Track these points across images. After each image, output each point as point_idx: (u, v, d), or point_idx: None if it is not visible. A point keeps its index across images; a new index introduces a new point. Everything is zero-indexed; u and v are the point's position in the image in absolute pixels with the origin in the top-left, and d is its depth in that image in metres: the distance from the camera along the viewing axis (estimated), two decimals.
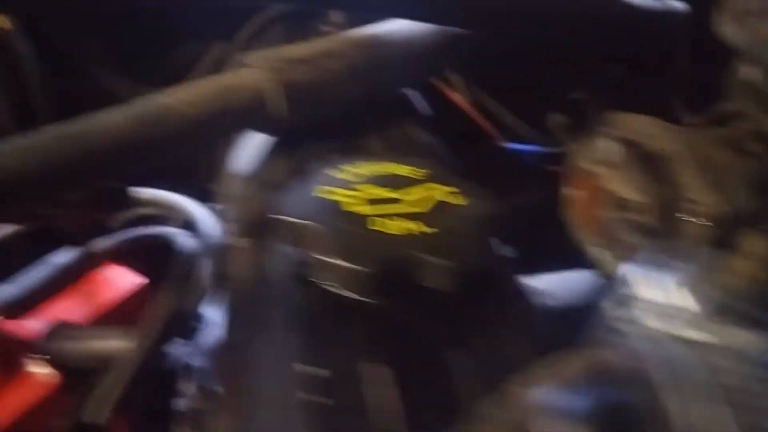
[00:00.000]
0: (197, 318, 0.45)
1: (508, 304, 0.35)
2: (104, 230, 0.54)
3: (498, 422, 0.23)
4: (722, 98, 0.49)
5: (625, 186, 0.36)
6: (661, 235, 0.35)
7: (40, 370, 0.43)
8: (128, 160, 0.39)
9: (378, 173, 0.37)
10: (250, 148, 0.52)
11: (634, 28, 0.57)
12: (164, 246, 0.50)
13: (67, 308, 0.50)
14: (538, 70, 0.75)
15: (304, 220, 0.33)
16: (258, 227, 0.42)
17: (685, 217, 0.33)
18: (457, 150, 0.52)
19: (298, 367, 0.30)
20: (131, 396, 0.42)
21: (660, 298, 0.25)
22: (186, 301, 0.44)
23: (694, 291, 0.25)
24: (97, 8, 0.47)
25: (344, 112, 0.48)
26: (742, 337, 0.23)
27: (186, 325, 0.44)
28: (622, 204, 0.36)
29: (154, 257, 0.55)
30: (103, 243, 0.53)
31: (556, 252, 0.50)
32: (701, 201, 0.32)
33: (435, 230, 0.33)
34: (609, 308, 0.25)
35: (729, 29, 0.39)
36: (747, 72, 0.41)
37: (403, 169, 0.38)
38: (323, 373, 0.29)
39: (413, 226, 0.33)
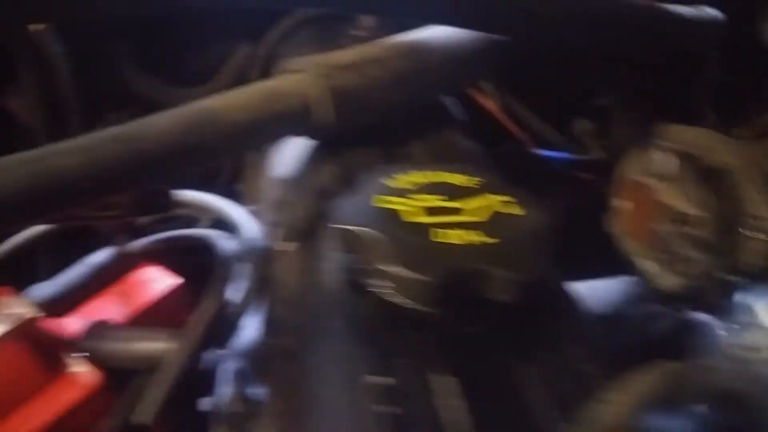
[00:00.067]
0: (238, 321, 0.44)
1: (566, 314, 0.35)
2: (141, 231, 0.54)
3: None
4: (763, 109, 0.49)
5: (681, 199, 0.36)
6: (718, 250, 0.35)
7: (82, 370, 0.43)
8: (177, 163, 0.39)
9: (432, 182, 0.37)
10: (289, 153, 0.52)
11: (666, 33, 0.57)
12: (202, 247, 0.50)
13: (105, 308, 0.50)
14: (566, 75, 0.75)
15: (363, 228, 0.32)
16: (306, 232, 0.42)
17: (748, 233, 0.33)
18: (490, 155, 0.52)
19: (360, 376, 0.30)
20: (174, 398, 0.42)
21: None
22: (228, 305, 0.44)
23: None
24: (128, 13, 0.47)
25: (387, 118, 0.48)
26: None
27: (228, 328, 0.43)
28: (677, 217, 0.36)
29: (191, 258, 0.55)
30: (139, 243, 0.53)
31: (587, 260, 0.50)
32: (765, 216, 0.32)
33: (496, 240, 0.32)
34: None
35: None
36: None
37: (455, 178, 0.38)
38: (388, 382, 0.29)
39: (474, 237, 0.33)
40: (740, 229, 0.33)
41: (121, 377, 0.44)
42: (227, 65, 0.78)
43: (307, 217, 0.43)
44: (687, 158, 0.36)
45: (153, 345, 0.42)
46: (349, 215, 0.34)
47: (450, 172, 0.38)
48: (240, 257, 0.47)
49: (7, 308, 0.43)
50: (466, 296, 0.31)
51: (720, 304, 0.39)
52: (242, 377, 0.46)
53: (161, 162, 0.38)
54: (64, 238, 0.58)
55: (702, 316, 0.51)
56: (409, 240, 0.32)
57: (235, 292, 0.45)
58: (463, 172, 0.39)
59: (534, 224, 0.34)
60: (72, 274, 0.50)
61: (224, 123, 0.39)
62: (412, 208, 0.34)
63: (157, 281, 0.52)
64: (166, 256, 0.55)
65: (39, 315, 0.43)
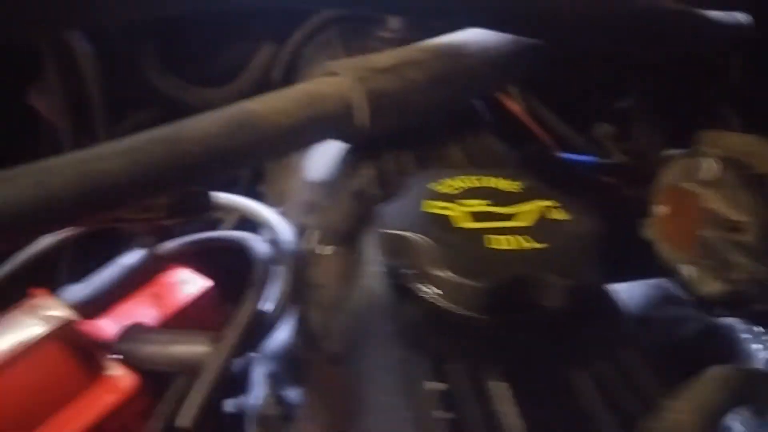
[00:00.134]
0: (274, 325, 0.44)
1: (615, 319, 0.35)
2: (169, 232, 0.54)
3: None
4: None
5: (724, 204, 0.36)
6: (762, 256, 0.35)
7: (119, 373, 0.43)
8: (218, 165, 0.39)
9: (475, 186, 0.37)
10: (319, 155, 0.52)
11: (695, 36, 0.57)
12: (235, 249, 0.50)
13: (137, 310, 0.50)
14: (589, 78, 0.75)
15: (413, 233, 0.32)
16: (344, 236, 0.42)
17: None
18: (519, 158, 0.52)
19: (413, 381, 0.30)
20: (212, 401, 0.42)
21: None
22: (265, 308, 0.44)
23: None
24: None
25: (422, 121, 0.48)
26: None
27: (265, 331, 0.43)
28: (721, 223, 0.36)
29: (219, 260, 0.55)
30: (171, 245, 0.53)
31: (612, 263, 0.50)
32: None
33: (545, 246, 0.32)
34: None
35: None
36: None
37: (498, 182, 0.38)
38: (442, 388, 0.29)
39: (522, 242, 0.33)
40: None
41: (156, 380, 0.44)
42: (250, 65, 0.78)
43: (344, 221, 0.43)
44: (731, 163, 0.36)
45: (191, 348, 0.42)
46: (397, 220, 0.34)
47: (492, 176, 0.38)
48: (275, 260, 0.46)
49: (45, 310, 0.43)
50: (518, 302, 0.31)
51: (764, 310, 0.39)
52: (277, 380, 0.46)
53: (203, 164, 0.38)
54: (86, 240, 0.58)
55: (729, 321, 0.51)
56: (463, 246, 0.32)
57: (271, 295, 0.45)
58: (505, 177, 0.39)
59: (581, 229, 0.34)
60: (103, 275, 0.50)
61: (266, 125, 0.39)
62: (460, 214, 0.34)
63: (188, 283, 0.52)
64: (195, 257, 0.55)
65: (76, 317, 0.43)
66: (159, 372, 0.45)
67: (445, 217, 0.34)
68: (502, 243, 0.32)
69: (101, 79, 0.69)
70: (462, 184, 0.37)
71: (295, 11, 0.75)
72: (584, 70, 0.72)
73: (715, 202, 0.36)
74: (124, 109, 0.75)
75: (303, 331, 0.45)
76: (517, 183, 0.38)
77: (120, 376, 0.43)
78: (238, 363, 0.46)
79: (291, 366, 0.46)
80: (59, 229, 0.35)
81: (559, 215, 0.35)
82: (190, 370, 0.43)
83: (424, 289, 0.32)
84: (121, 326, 0.46)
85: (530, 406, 0.28)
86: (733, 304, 0.39)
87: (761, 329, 0.41)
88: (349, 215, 0.42)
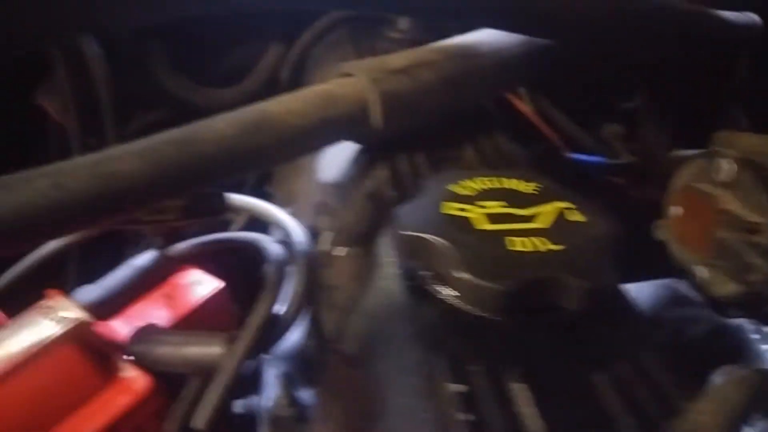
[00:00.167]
0: (288, 326, 0.44)
1: (633, 320, 0.35)
2: (181, 233, 0.54)
3: None
4: None
5: (741, 206, 0.36)
6: None
7: (134, 374, 0.43)
8: (233, 167, 0.39)
9: (491, 188, 0.37)
10: (330, 156, 0.52)
11: (709, 36, 0.57)
12: (249, 250, 0.50)
13: (149, 311, 0.50)
14: (597, 78, 0.75)
15: (433, 235, 0.32)
16: (359, 237, 0.42)
17: None
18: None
19: (432, 383, 0.30)
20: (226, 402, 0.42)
21: None
22: (279, 309, 0.44)
23: None
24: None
25: (434, 122, 0.48)
26: None
27: (279, 333, 0.43)
28: (737, 224, 0.36)
29: (230, 261, 0.55)
30: (183, 246, 0.53)
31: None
32: None
33: (562, 248, 0.32)
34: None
35: None
36: None
37: (513, 183, 0.38)
38: (461, 389, 0.29)
39: (540, 244, 0.33)
40: None
41: (169, 381, 0.44)
42: (259, 66, 0.78)
43: (358, 222, 0.43)
44: (747, 165, 0.36)
45: (205, 350, 0.42)
46: (416, 221, 0.34)
47: (508, 177, 0.38)
48: (289, 261, 0.46)
49: (59, 311, 0.43)
50: (537, 304, 0.31)
51: None
52: (289, 381, 0.46)
53: (219, 165, 0.38)
54: (92, 241, 0.58)
55: (737, 321, 0.51)
56: (484, 248, 0.32)
57: (284, 296, 0.45)
58: (520, 178, 0.39)
59: (598, 230, 0.34)
60: (116, 276, 0.50)
61: (281, 127, 0.39)
62: (479, 216, 0.34)
63: (200, 284, 0.52)
64: (206, 258, 0.55)
65: (90, 318, 0.43)
66: (172, 373, 0.45)
67: (465, 219, 0.34)
68: (522, 245, 0.32)
69: (110, 79, 0.69)
70: (479, 186, 0.37)
71: (303, 12, 0.75)
72: (591, 69, 0.72)
73: (732, 204, 0.36)
74: (133, 110, 0.75)
75: (316, 332, 0.45)
76: (532, 184, 0.38)
77: (134, 377, 0.43)
78: (249, 364, 0.46)
79: (304, 367, 0.46)
80: (75, 232, 0.35)
81: (576, 217, 0.35)
82: (204, 371, 0.43)
83: (443, 291, 0.32)
84: (134, 327, 0.46)
85: (550, 408, 0.29)
86: (749, 305, 0.39)
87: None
88: (363, 216, 0.42)
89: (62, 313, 0.42)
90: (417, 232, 0.33)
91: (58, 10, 0.35)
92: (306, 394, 0.47)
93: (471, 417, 0.28)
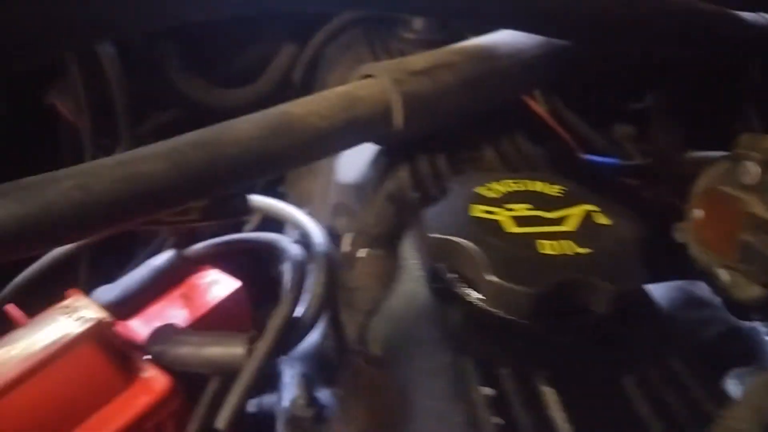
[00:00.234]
0: (309, 327, 0.44)
1: (660, 323, 0.35)
2: (202, 234, 0.54)
3: None
4: None
5: (766, 209, 0.36)
6: None
7: (154, 374, 0.43)
8: (258, 169, 0.39)
9: (518, 190, 0.37)
10: (351, 157, 0.52)
11: (729, 36, 0.57)
12: (266, 251, 0.50)
13: (167, 311, 0.50)
14: (611, 78, 0.75)
15: (463, 238, 0.32)
16: (380, 239, 0.42)
17: None
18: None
19: (461, 386, 0.30)
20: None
21: None
22: (300, 310, 0.44)
23: None
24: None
25: (454, 123, 0.48)
26: None
27: (300, 334, 0.43)
28: (762, 227, 0.36)
29: (244, 261, 0.55)
30: (201, 246, 0.53)
31: None
32: None
33: (590, 251, 0.32)
34: None
35: None
36: None
37: (538, 186, 0.38)
38: (490, 392, 0.29)
39: (567, 247, 0.33)
40: None
41: (191, 382, 0.44)
42: (271, 66, 0.78)
43: (379, 224, 0.43)
44: None
45: (226, 350, 0.42)
46: (444, 224, 0.34)
47: (531, 180, 0.38)
48: (309, 262, 0.46)
49: (80, 310, 0.43)
50: (565, 307, 0.31)
51: None
52: (308, 381, 0.46)
53: (244, 167, 0.38)
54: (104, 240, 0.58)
55: (751, 323, 0.51)
56: (515, 251, 0.31)
57: (305, 297, 0.45)
58: (543, 180, 0.39)
59: (624, 233, 0.34)
60: (134, 276, 0.50)
61: (306, 128, 0.39)
62: (507, 218, 0.34)
63: (218, 284, 0.52)
64: (220, 258, 0.55)
65: (111, 318, 0.43)
66: (190, 373, 0.45)
67: (495, 222, 0.34)
68: (551, 248, 0.32)
69: (124, 80, 0.69)
70: (504, 188, 0.37)
71: (316, 12, 0.75)
72: (606, 70, 0.72)
73: (757, 207, 0.36)
74: (146, 111, 0.75)
75: (336, 333, 0.45)
76: (556, 187, 0.38)
77: (154, 377, 0.43)
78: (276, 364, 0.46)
79: (322, 367, 0.46)
80: (100, 234, 0.35)
81: (602, 220, 0.35)
82: (225, 372, 0.43)
83: (471, 293, 0.32)
84: (154, 327, 0.46)
85: (580, 411, 0.28)
86: None
87: None
88: (384, 218, 0.42)
89: (83, 313, 0.42)
90: (446, 234, 0.33)
91: (76, 21, 0.35)
92: (324, 395, 0.47)
93: (501, 421, 0.28)
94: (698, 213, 0.41)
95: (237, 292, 0.51)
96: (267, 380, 0.49)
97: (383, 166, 0.47)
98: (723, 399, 0.31)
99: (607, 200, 0.37)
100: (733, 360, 0.45)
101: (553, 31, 0.47)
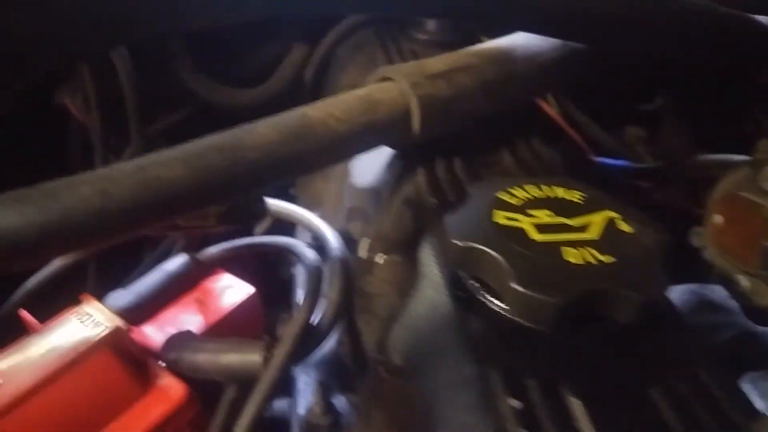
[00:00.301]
0: (326, 334, 0.44)
1: (685, 332, 0.34)
2: (211, 237, 0.54)
3: None
4: None
5: None
6: None
7: (169, 382, 0.43)
8: (278, 172, 0.38)
9: (540, 196, 0.37)
10: (365, 161, 0.51)
11: (746, 41, 0.56)
12: (281, 255, 0.50)
13: (181, 316, 0.49)
14: (624, 81, 0.75)
15: (487, 246, 0.32)
16: (399, 244, 0.42)
17: None
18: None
19: (485, 396, 0.30)
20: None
21: None
22: (317, 316, 0.44)
23: None
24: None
25: (470, 126, 0.47)
26: None
27: (317, 341, 0.43)
28: None
29: (259, 263, 0.55)
30: (215, 250, 0.52)
31: None
32: None
33: (613, 259, 0.32)
34: None
35: None
36: None
37: (559, 192, 0.38)
38: (517, 404, 0.29)
39: (589, 255, 0.32)
40: None
41: (207, 390, 0.44)
42: (282, 66, 0.78)
43: (397, 229, 0.43)
44: None
45: (243, 358, 0.42)
46: (467, 231, 0.33)
47: (549, 185, 0.38)
48: (326, 268, 0.46)
49: (95, 317, 0.43)
50: (590, 317, 0.31)
51: None
52: (324, 388, 0.46)
53: (264, 171, 0.37)
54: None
55: (763, 329, 0.51)
56: (539, 260, 0.31)
57: (322, 303, 0.44)
58: (562, 186, 0.38)
59: (648, 241, 0.34)
60: (147, 281, 0.50)
61: (324, 132, 0.38)
62: (531, 226, 0.34)
63: (232, 289, 0.51)
64: (234, 261, 0.54)
65: (126, 325, 0.43)
66: (205, 380, 0.44)
67: (519, 230, 0.33)
68: (575, 257, 0.32)
69: (135, 79, 0.68)
70: (524, 194, 0.37)
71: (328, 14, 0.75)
72: (621, 73, 0.71)
73: None
74: (156, 110, 0.74)
75: (353, 339, 0.45)
76: (576, 193, 0.38)
77: (170, 384, 0.43)
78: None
79: (339, 374, 0.46)
80: (119, 240, 0.35)
81: (624, 227, 0.35)
82: (241, 379, 0.42)
83: (496, 302, 0.32)
84: (168, 333, 0.45)
85: (608, 423, 0.28)
86: None
87: None
88: (401, 223, 0.42)
89: (98, 319, 0.42)
90: (468, 242, 0.33)
91: (92, 27, 0.34)
92: (340, 402, 0.46)
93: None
94: (717, 218, 0.41)
95: (251, 297, 0.51)
96: (280, 386, 0.49)
97: (399, 170, 0.47)
98: (749, 408, 0.31)
99: (627, 206, 0.37)
100: (748, 364, 0.45)
101: (567, 33, 0.47)
